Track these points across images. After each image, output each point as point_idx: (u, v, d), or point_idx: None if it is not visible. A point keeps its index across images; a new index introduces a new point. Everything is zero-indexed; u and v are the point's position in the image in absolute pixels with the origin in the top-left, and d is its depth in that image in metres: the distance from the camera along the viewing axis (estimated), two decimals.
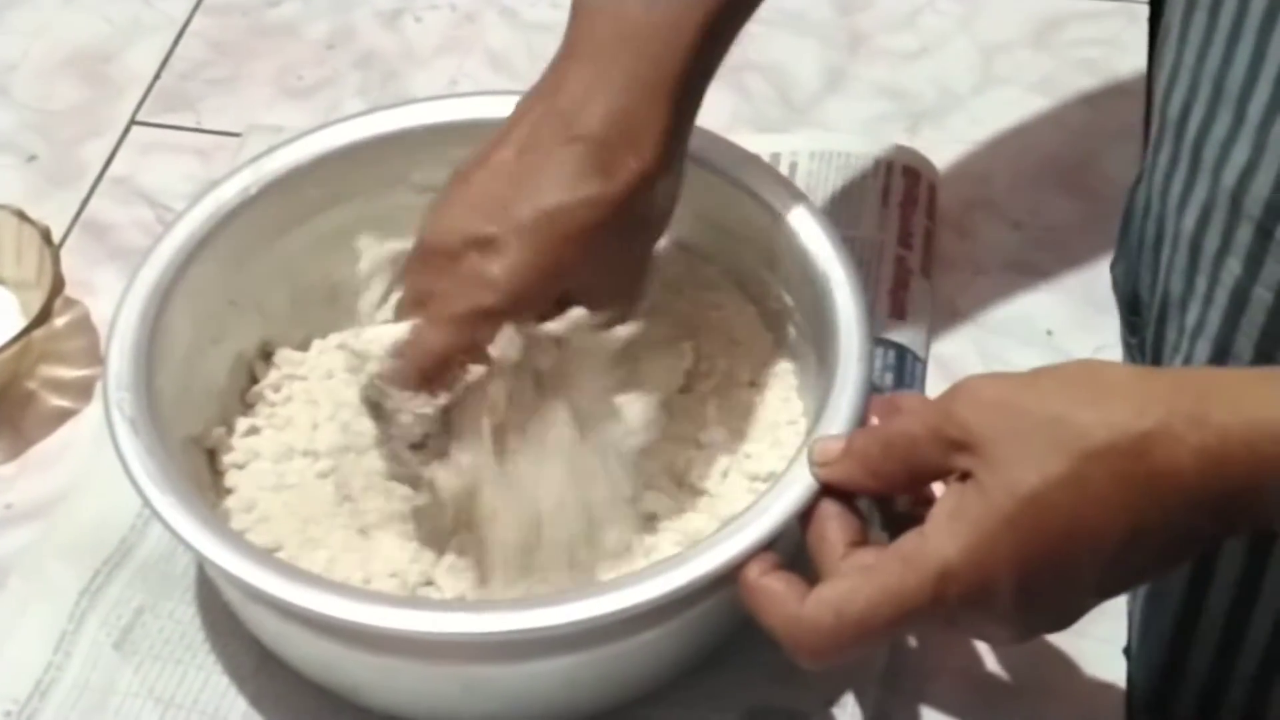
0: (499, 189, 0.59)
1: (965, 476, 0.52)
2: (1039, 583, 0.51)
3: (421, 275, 0.60)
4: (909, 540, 0.52)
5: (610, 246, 0.60)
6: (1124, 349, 0.75)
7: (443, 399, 0.59)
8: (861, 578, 0.53)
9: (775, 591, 0.54)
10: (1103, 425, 0.50)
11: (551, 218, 0.58)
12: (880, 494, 0.56)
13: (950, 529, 0.51)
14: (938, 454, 0.53)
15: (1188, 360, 0.65)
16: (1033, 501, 0.50)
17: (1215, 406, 0.49)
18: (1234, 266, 0.62)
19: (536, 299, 0.59)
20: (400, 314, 0.61)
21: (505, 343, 0.59)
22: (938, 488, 0.55)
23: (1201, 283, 0.64)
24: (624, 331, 0.61)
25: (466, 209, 0.60)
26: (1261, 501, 0.49)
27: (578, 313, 0.60)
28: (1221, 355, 0.64)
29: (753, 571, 0.55)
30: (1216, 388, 0.50)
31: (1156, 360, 0.70)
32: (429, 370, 0.59)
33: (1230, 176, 0.61)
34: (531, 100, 0.61)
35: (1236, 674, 0.68)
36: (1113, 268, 0.76)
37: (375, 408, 0.61)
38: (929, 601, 0.51)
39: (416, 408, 0.59)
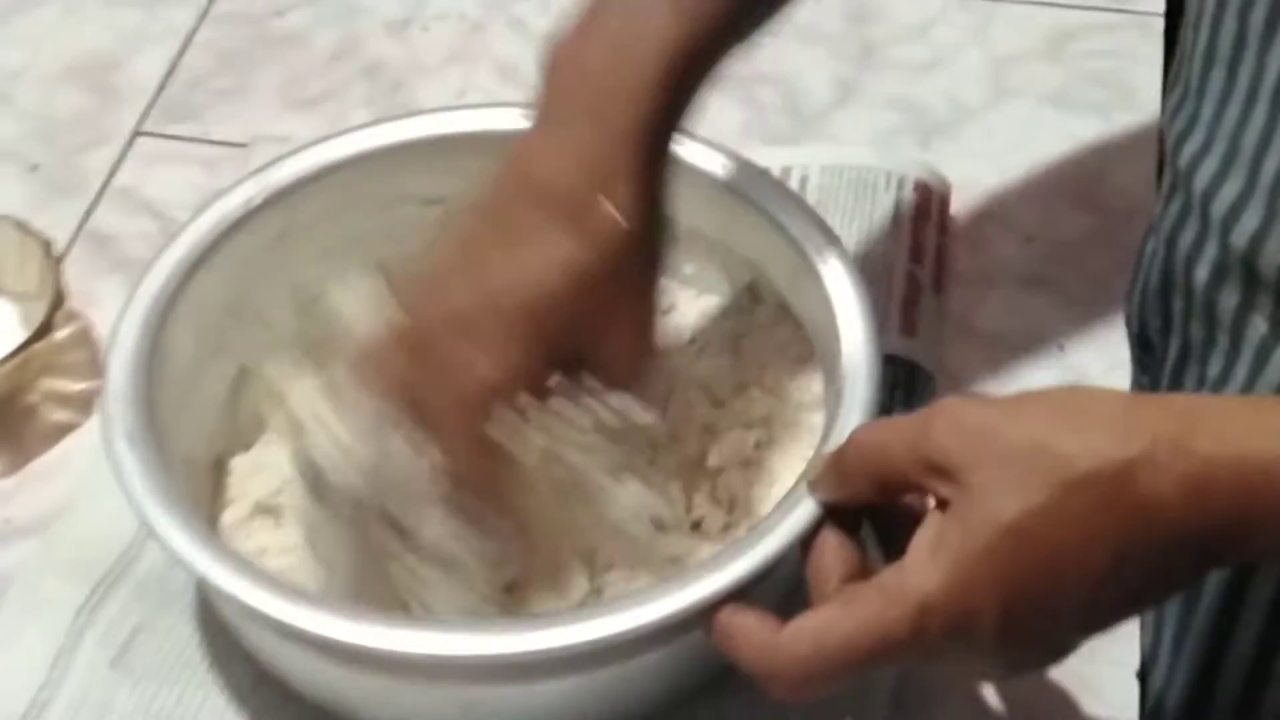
0: (475, 268, 0.58)
1: (944, 504, 0.51)
2: (1022, 615, 0.50)
3: (398, 363, 0.58)
4: (890, 573, 0.51)
5: (599, 303, 0.58)
6: (1133, 386, 0.74)
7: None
8: (841, 610, 0.51)
9: (749, 625, 0.53)
10: (1085, 453, 0.49)
11: (530, 290, 0.57)
12: (849, 502, 0.55)
13: (930, 560, 0.50)
14: (911, 470, 0.52)
15: None
16: (1013, 532, 0.49)
17: (1201, 435, 0.48)
18: (1259, 324, 0.61)
19: (525, 376, 0.57)
20: (369, 402, 0.58)
21: (498, 426, 0.57)
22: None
23: (1223, 338, 0.63)
24: (640, 417, 0.59)
25: (443, 293, 0.58)
26: (1248, 534, 0.48)
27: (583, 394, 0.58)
28: None
29: (724, 612, 0.54)
30: (1203, 415, 0.49)
31: None
32: (452, 474, 0.57)
33: (1240, 239, 0.60)
34: (504, 172, 0.60)
35: (1265, 706, 0.67)
36: (1126, 299, 0.75)
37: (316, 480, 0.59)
38: (909, 634, 0.50)
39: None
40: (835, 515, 0.56)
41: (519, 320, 0.57)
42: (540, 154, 0.59)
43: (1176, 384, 0.68)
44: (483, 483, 0.58)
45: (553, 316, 0.57)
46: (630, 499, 0.59)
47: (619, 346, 0.59)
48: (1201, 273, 0.63)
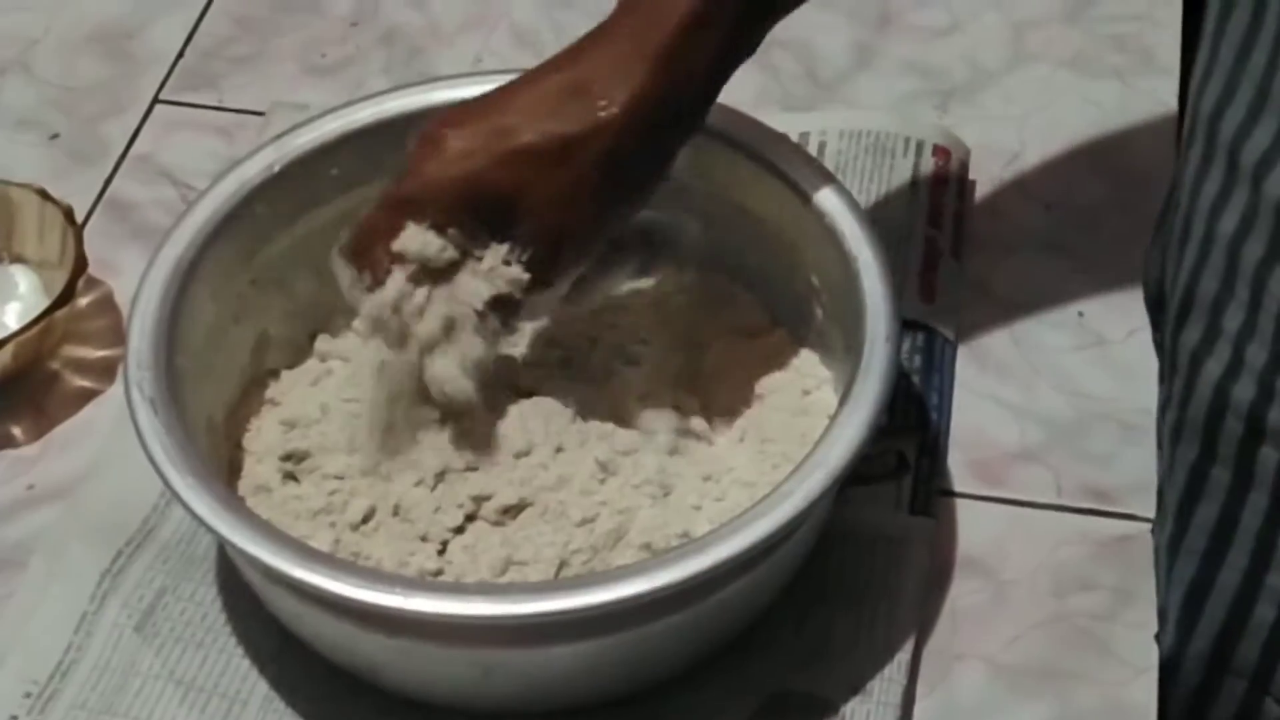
0: (479, 107, 0.62)
1: None
2: None
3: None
4: None
5: (545, 183, 0.61)
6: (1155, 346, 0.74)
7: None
8: None
9: None
10: None
11: (492, 130, 0.61)
12: None
13: None
14: None
15: (1233, 365, 0.64)
16: None
17: None
18: None
19: (447, 201, 0.61)
20: None
21: (406, 237, 0.61)
22: None
23: (1243, 289, 0.63)
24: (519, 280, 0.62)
25: (438, 122, 0.62)
26: None
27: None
28: (1278, 362, 0.62)
29: None
30: None
31: (1174, 361, 0.68)
32: (355, 246, 0.62)
33: (1275, 188, 0.60)
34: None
35: None
36: (1145, 259, 0.75)
37: None
38: None
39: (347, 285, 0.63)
40: None
41: (473, 153, 0.61)
42: (575, 50, 0.63)
43: (1177, 337, 0.68)
44: None
45: (501, 165, 0.61)
46: None
47: (546, 231, 0.63)
48: (1228, 223, 0.63)
